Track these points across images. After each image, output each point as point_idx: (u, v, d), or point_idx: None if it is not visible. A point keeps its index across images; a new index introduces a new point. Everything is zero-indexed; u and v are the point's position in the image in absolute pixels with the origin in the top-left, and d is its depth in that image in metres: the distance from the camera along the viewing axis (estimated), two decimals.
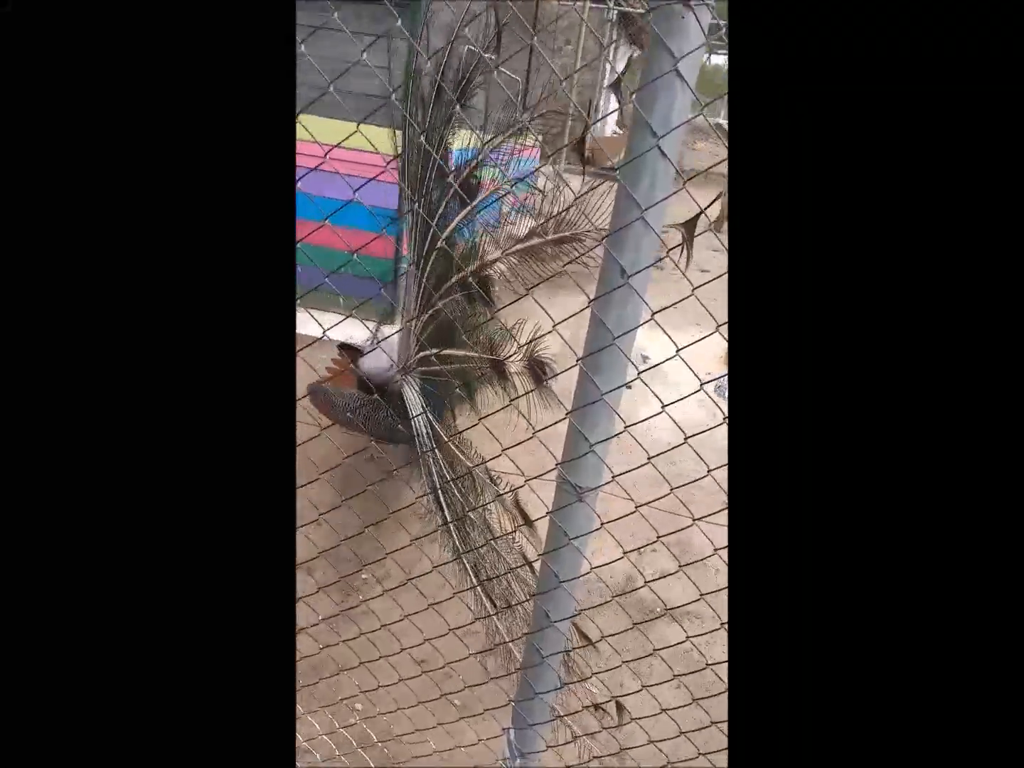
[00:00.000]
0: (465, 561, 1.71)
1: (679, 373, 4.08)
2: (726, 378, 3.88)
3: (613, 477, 0.93)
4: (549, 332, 1.16)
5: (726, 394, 4.03)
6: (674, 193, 0.78)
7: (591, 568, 1.01)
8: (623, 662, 1.24)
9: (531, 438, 0.97)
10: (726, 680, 0.62)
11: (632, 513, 0.96)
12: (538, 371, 1.39)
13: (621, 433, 0.94)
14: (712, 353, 4.41)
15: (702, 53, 0.76)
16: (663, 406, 0.90)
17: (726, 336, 0.63)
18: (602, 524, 0.97)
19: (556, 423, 1.05)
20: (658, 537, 0.96)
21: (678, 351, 0.84)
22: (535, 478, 1.02)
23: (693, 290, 0.82)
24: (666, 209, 0.81)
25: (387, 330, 3.01)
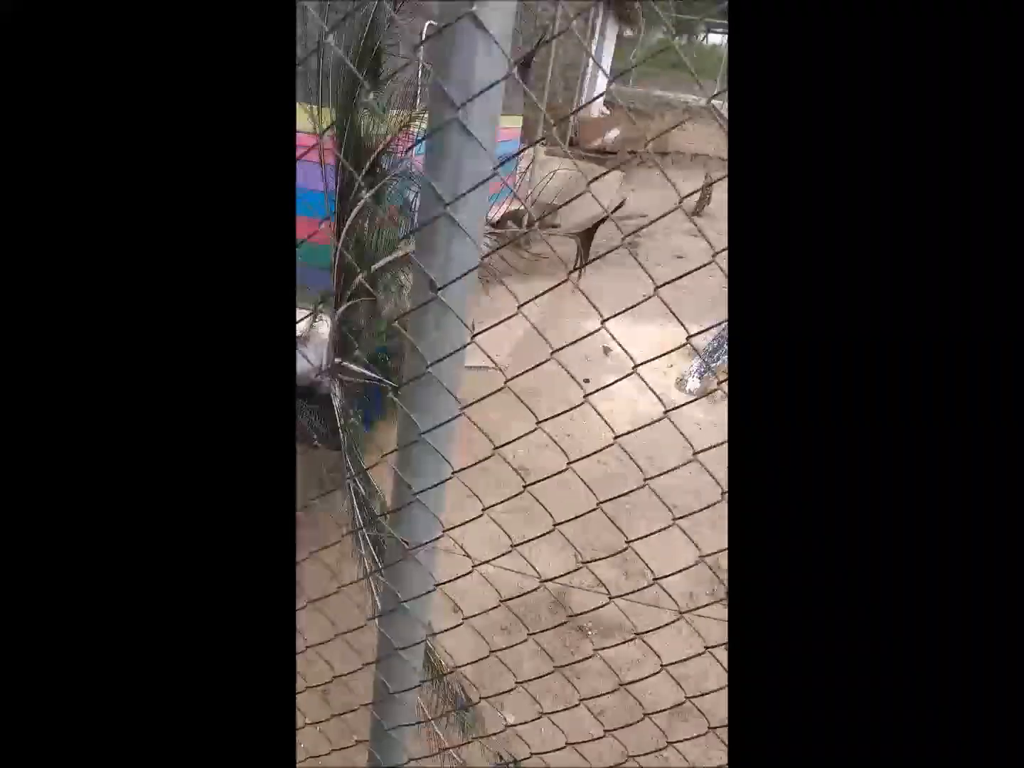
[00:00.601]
0: (373, 586, 1.55)
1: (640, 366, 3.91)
2: (689, 371, 3.71)
3: (444, 531, 0.76)
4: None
5: (687, 388, 3.85)
6: (483, 182, 0.60)
7: (541, 581, 0.84)
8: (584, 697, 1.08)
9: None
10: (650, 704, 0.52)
11: (577, 518, 0.77)
12: None
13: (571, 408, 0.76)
14: (675, 345, 4.19)
15: None
16: (637, 375, 0.73)
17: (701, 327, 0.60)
18: (556, 525, 0.78)
19: (377, 462, 0.88)
20: (627, 542, 0.77)
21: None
22: (380, 516, 0.86)
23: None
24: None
25: (322, 325, 2.80)
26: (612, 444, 0.79)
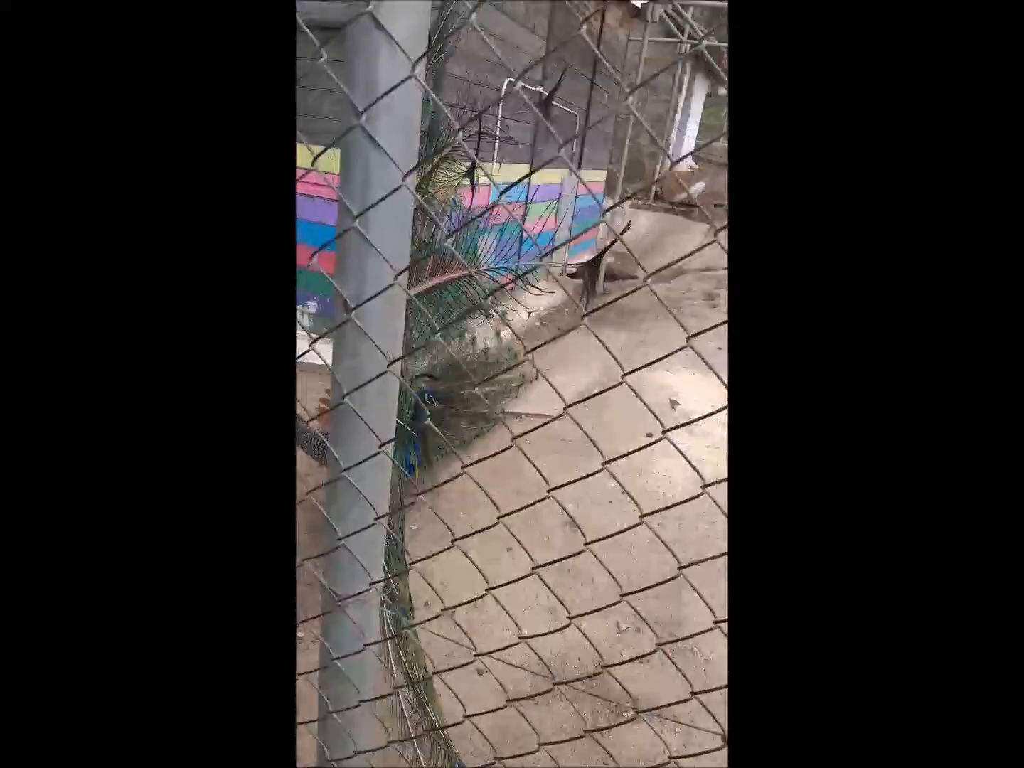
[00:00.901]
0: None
1: (709, 420, 3.66)
2: None
3: (373, 582, 0.67)
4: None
5: None
6: (392, 192, 0.55)
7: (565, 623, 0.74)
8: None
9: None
10: None
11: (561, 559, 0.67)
12: None
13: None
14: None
15: None
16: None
17: None
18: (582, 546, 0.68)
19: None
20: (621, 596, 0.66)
21: None
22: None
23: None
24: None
25: None
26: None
